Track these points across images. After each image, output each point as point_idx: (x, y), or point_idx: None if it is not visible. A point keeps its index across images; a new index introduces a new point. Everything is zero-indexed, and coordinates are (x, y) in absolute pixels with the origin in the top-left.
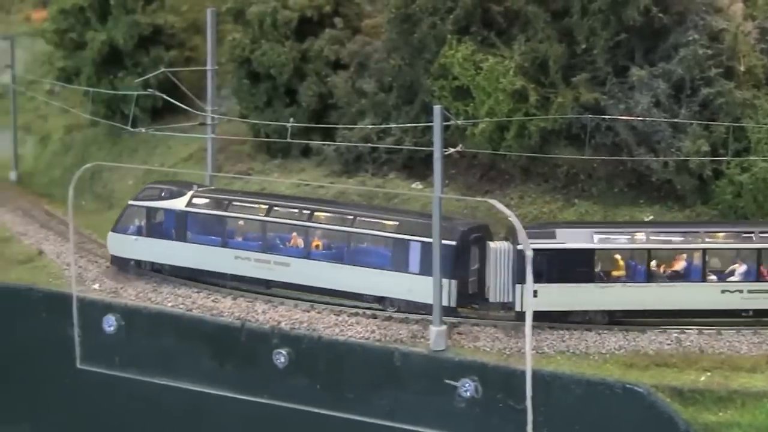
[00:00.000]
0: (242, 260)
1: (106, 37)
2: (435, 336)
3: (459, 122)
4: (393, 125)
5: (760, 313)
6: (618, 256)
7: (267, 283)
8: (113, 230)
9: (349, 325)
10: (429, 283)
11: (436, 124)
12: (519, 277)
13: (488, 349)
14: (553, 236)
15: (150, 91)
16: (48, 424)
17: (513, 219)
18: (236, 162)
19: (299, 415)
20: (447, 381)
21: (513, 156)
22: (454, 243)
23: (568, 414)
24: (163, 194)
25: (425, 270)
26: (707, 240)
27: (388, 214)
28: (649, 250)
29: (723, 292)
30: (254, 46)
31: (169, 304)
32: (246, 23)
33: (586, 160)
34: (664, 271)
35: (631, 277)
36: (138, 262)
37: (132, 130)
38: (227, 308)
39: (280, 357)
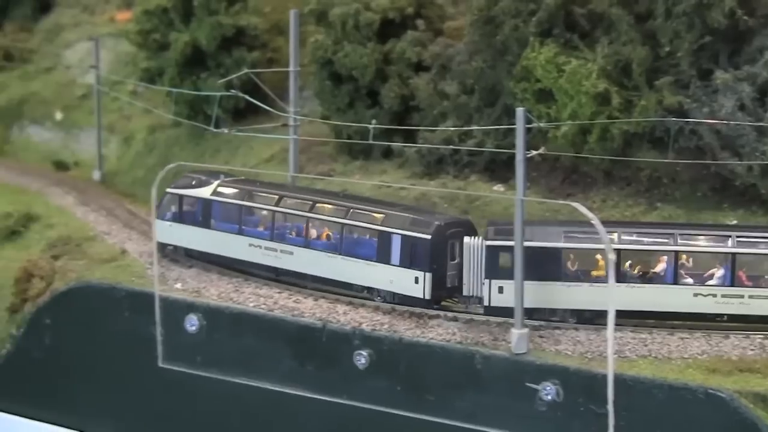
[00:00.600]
0: (254, 248)
1: (190, 38)
2: (516, 339)
3: (541, 125)
4: (475, 127)
5: (734, 318)
6: (586, 256)
7: (276, 271)
8: (156, 217)
9: (430, 327)
10: (408, 275)
11: (519, 126)
12: (488, 273)
13: (570, 353)
14: (530, 234)
15: (233, 92)
16: (130, 422)
17: (595, 222)
18: (318, 163)
19: (379, 417)
20: (528, 384)
21: (595, 159)
22: (428, 237)
23: (649, 419)
24: (194, 183)
25: (404, 262)
26: (680, 242)
27: (380, 207)
28: (618, 250)
29: (696, 295)
30: (337, 47)
31: (251, 305)
32: (329, 25)
33: (669, 164)
34: (635, 272)
35: (599, 277)
36: (174, 248)
37: (215, 130)
38: (309, 309)
39: (361, 358)
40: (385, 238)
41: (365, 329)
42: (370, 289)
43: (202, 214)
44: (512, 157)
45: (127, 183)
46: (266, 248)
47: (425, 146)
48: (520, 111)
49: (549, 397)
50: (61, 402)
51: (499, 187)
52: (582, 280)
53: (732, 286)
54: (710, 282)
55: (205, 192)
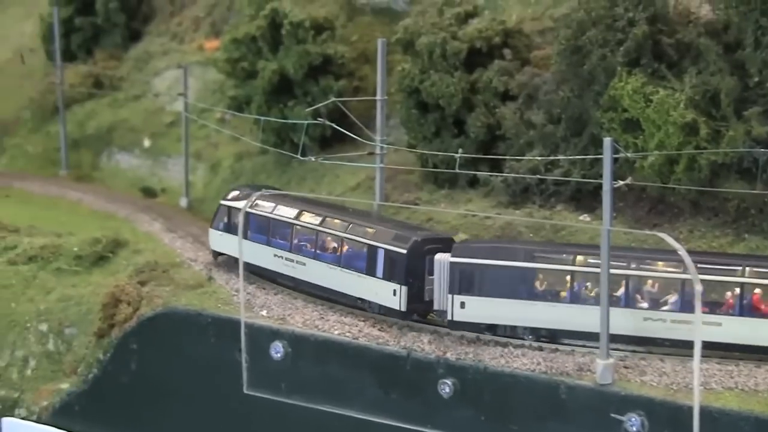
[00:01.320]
0: (278, 258)
1: (277, 67)
2: (602, 369)
3: (628, 155)
4: (561, 157)
5: (676, 344)
6: (542, 276)
7: (293, 281)
8: (210, 227)
9: (514, 357)
10: (388, 287)
11: (606, 156)
12: (451, 288)
13: (655, 384)
14: (485, 252)
15: (320, 120)
16: None
17: (682, 253)
18: (403, 191)
19: None
20: (613, 415)
21: (682, 189)
22: (404, 251)
23: None
24: (239, 195)
25: (386, 275)
26: (632, 266)
27: (374, 222)
28: (571, 271)
29: (645, 319)
30: (423, 76)
31: (336, 332)
32: (415, 54)
33: (757, 195)
34: (588, 294)
35: (554, 296)
36: (222, 254)
37: (301, 158)
38: (393, 337)
39: (446, 387)
40: (372, 252)
41: (450, 358)
42: (363, 300)
43: (243, 225)
44: (599, 186)
45: (214, 210)
46: (286, 259)
47: (511, 175)
48: (607, 141)
49: (634, 429)
50: (146, 427)
51: (585, 217)
52: (542, 299)
53: (681, 312)
54: (665, 308)
55: (243, 204)
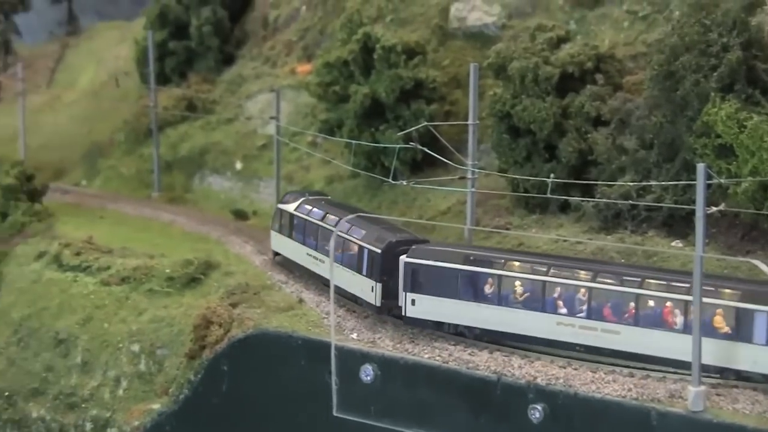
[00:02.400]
0: (309, 257)
1: (369, 91)
2: (693, 396)
3: (722, 181)
4: (653, 183)
5: (589, 349)
6: (478, 278)
7: (320, 278)
8: (271, 228)
9: (605, 383)
10: (368, 284)
11: (699, 182)
12: (404, 286)
13: (747, 412)
14: (435, 254)
15: (412, 144)
16: None
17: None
18: (494, 216)
19: None
20: None
21: None
22: (379, 251)
23: None
24: (290, 199)
25: (367, 273)
26: (550, 273)
27: (369, 224)
28: (499, 276)
29: (558, 324)
30: (515, 101)
31: (426, 356)
32: (507, 78)
33: None
34: (515, 297)
35: (484, 298)
36: (278, 253)
37: (393, 182)
38: (483, 362)
39: (536, 412)
40: (360, 251)
41: (540, 383)
42: (355, 296)
43: (288, 226)
44: (691, 212)
45: None
46: (313, 257)
47: (603, 201)
48: (700, 167)
49: None
50: None
51: (677, 243)
52: (473, 299)
53: (587, 318)
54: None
55: (291, 207)
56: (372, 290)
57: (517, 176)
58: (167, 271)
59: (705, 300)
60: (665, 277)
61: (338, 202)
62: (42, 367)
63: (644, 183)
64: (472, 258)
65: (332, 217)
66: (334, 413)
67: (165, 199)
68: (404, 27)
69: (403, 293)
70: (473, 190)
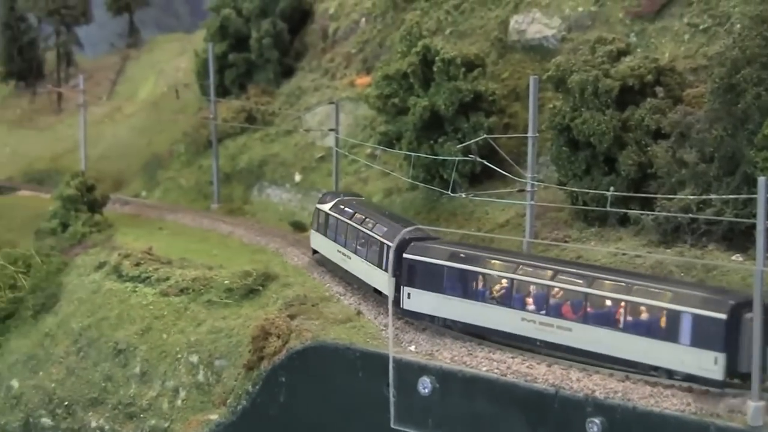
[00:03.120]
0: (339, 253)
1: (428, 103)
2: (753, 411)
3: None
4: (714, 196)
5: (548, 345)
6: (459, 275)
7: (345, 273)
8: (311, 228)
9: (664, 397)
10: (384, 277)
11: (760, 195)
12: (401, 280)
13: None
14: (428, 251)
15: (471, 157)
16: None
17: None
18: (553, 229)
19: None
20: None
21: None
22: (393, 245)
23: None
24: (327, 199)
25: (384, 267)
26: (518, 271)
27: (390, 221)
28: (476, 272)
29: (522, 320)
30: (574, 114)
31: (484, 369)
32: (567, 91)
33: None
34: (489, 293)
35: (464, 293)
36: (316, 251)
37: (452, 194)
38: (541, 374)
39: (594, 426)
40: (380, 246)
41: (598, 396)
42: (376, 289)
43: (324, 224)
44: (752, 226)
45: None
46: (342, 253)
47: (662, 214)
48: (761, 180)
49: None
50: None
51: (737, 257)
52: (455, 294)
53: (547, 315)
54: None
55: (326, 207)
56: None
57: (576, 189)
58: (226, 282)
59: (646, 301)
60: (613, 278)
61: (369, 202)
62: (101, 377)
63: (704, 196)
64: (455, 255)
65: (359, 216)
66: (392, 425)
67: (224, 211)
68: (463, 39)
69: (402, 287)
70: (532, 202)
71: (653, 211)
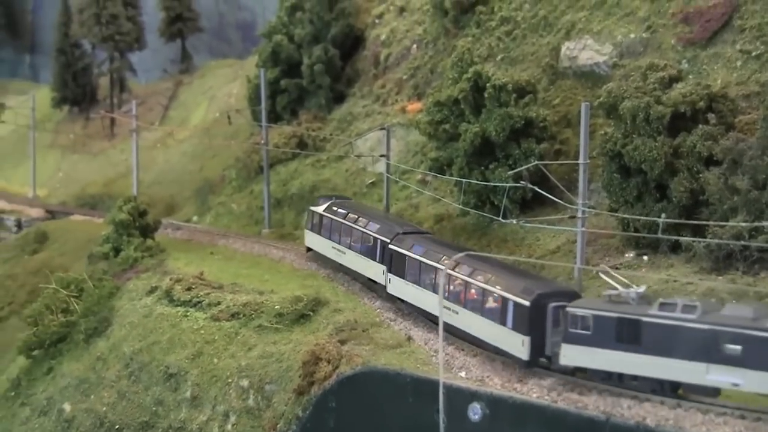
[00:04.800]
0: (334, 249)
1: (479, 129)
2: None
3: None
4: (766, 223)
5: (448, 327)
6: (416, 265)
7: (340, 266)
8: (304, 227)
9: (716, 425)
10: (380, 269)
11: None
12: (388, 268)
13: None
14: (402, 242)
15: (522, 183)
16: None
17: None
18: (604, 255)
19: None
20: None
21: None
22: (388, 240)
23: None
24: (320, 202)
25: (381, 260)
26: (440, 261)
27: (384, 221)
28: (417, 261)
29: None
30: (626, 140)
31: (534, 395)
32: (618, 117)
33: None
34: (423, 279)
35: (417, 281)
36: (310, 249)
37: (503, 221)
38: (592, 402)
39: None
40: (375, 242)
41: (649, 424)
42: (371, 280)
43: (318, 225)
44: None
45: None
46: (336, 249)
47: (714, 241)
48: None
49: None
50: None
51: None
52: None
53: (447, 300)
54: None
55: (321, 209)
56: (383, 273)
57: (627, 216)
58: (277, 307)
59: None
60: (486, 269)
61: (359, 204)
62: (152, 401)
63: (757, 224)
64: (414, 246)
65: (352, 215)
66: None
67: (275, 236)
68: (515, 66)
69: (386, 274)
70: (583, 229)
71: (705, 238)
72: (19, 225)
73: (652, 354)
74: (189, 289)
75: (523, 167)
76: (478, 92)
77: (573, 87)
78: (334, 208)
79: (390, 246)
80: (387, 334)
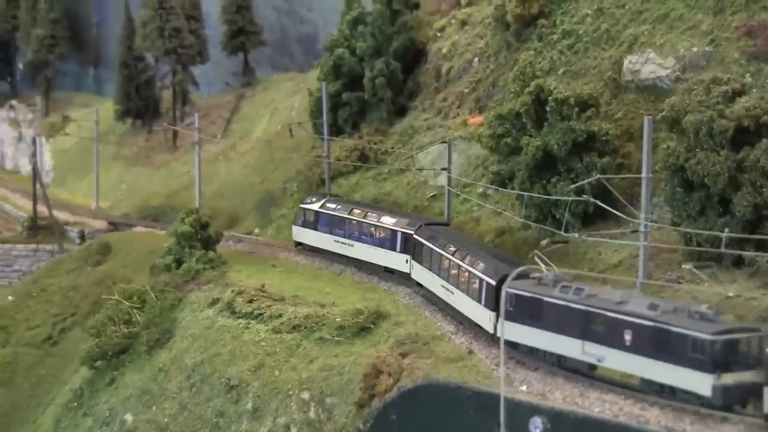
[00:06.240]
0: (335, 242)
1: (541, 143)
2: None
3: None
4: None
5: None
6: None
7: (346, 258)
8: (293, 224)
9: None
10: (403, 258)
11: None
12: (410, 255)
13: None
14: (424, 232)
15: (585, 197)
16: None
17: None
18: (666, 270)
19: None
20: None
21: None
22: (412, 232)
23: None
24: (312, 200)
25: (400, 249)
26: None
27: (396, 215)
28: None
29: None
30: (689, 154)
31: (596, 410)
32: (681, 131)
33: None
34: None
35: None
36: (300, 244)
37: (565, 234)
38: (654, 417)
39: None
40: (394, 234)
41: None
42: (387, 268)
43: (313, 221)
44: None
45: None
46: (341, 243)
47: None
48: None
49: None
50: None
51: None
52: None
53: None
54: None
55: (316, 206)
56: (407, 262)
57: (690, 230)
58: (338, 320)
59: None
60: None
61: (354, 200)
62: (213, 413)
63: None
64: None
65: (357, 211)
66: None
67: None
68: (577, 79)
69: (409, 261)
70: (646, 243)
71: None
72: (82, 237)
73: (550, 330)
74: (251, 301)
75: (585, 181)
76: (540, 106)
77: (635, 101)
78: (332, 205)
79: (414, 236)
80: (448, 348)
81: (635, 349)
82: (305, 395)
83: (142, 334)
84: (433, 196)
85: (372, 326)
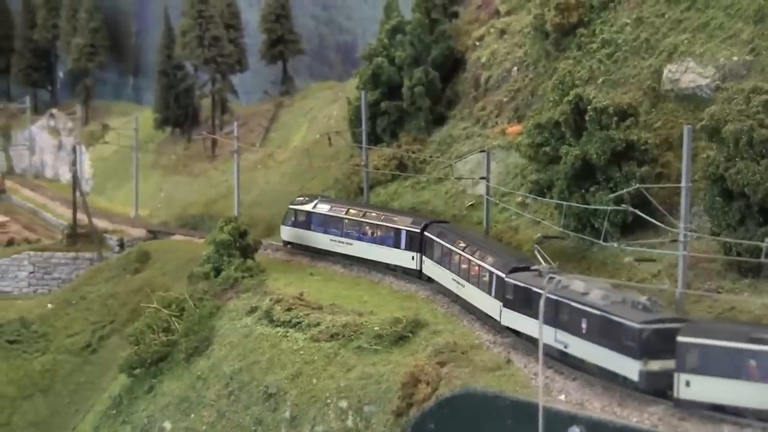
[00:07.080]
0: (332, 241)
1: (580, 152)
2: None
3: None
4: None
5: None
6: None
7: (345, 257)
8: (281, 224)
9: None
10: (409, 255)
11: None
12: (421, 251)
13: None
14: (436, 231)
15: (624, 206)
16: None
17: None
18: (705, 280)
19: None
20: None
21: None
22: (417, 230)
23: None
24: (303, 200)
25: (405, 246)
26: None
27: (397, 214)
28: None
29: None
30: (729, 164)
31: (634, 420)
32: (721, 141)
33: None
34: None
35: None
36: (290, 243)
37: (604, 244)
38: (693, 427)
39: None
40: (398, 233)
41: None
42: (388, 265)
43: (305, 221)
44: None
45: None
46: (337, 242)
47: None
48: None
49: None
50: None
51: None
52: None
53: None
54: None
55: (308, 207)
56: (413, 259)
57: (730, 240)
58: (376, 328)
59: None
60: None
61: (344, 199)
62: (251, 421)
63: None
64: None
65: (354, 210)
66: None
67: None
68: (616, 88)
69: (422, 258)
70: (685, 253)
71: None
72: (121, 244)
73: (537, 318)
74: (289, 309)
75: (624, 190)
76: (579, 115)
77: (675, 110)
78: (325, 205)
79: (425, 234)
80: (486, 357)
81: (589, 336)
82: (343, 404)
83: (181, 342)
84: (471, 205)
85: (410, 335)
